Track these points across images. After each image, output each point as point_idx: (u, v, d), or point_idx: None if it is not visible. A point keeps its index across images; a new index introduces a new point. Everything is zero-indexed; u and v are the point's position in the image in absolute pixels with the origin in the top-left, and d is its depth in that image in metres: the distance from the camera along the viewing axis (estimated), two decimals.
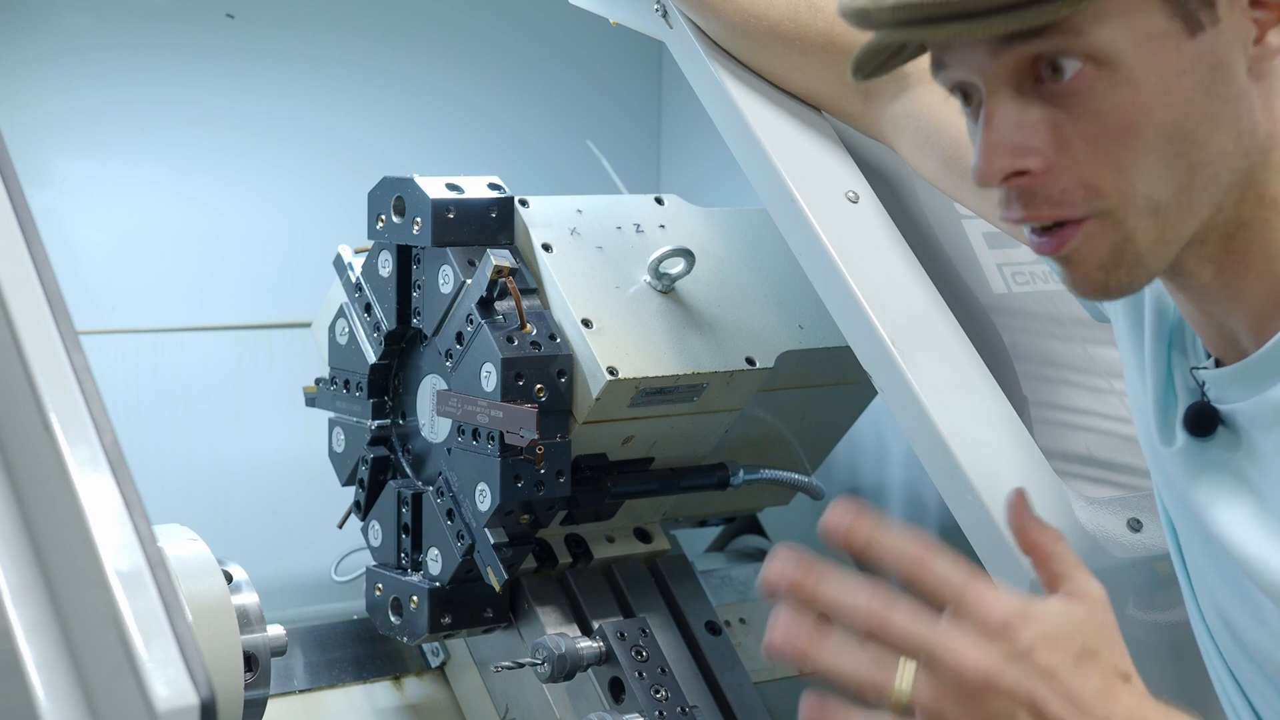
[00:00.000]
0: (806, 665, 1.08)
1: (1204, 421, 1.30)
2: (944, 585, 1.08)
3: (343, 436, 2.09)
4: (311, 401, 2.14)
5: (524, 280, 1.90)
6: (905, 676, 1.07)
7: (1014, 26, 1.14)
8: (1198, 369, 1.31)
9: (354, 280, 2.04)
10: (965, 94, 1.24)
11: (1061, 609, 1.09)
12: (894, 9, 1.17)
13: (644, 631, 1.95)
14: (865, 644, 1.08)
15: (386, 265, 1.99)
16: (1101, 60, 1.17)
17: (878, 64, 1.25)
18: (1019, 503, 1.13)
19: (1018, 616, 1.06)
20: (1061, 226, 1.21)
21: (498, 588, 1.90)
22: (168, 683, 0.93)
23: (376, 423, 2.05)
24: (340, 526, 2.14)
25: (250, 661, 1.62)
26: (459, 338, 1.91)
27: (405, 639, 2.00)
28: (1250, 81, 1.20)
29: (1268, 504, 1.27)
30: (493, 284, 1.87)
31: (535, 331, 1.87)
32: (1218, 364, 1.30)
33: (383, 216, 1.98)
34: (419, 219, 1.92)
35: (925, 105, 1.63)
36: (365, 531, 2.06)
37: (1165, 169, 1.19)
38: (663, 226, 2.02)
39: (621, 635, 1.93)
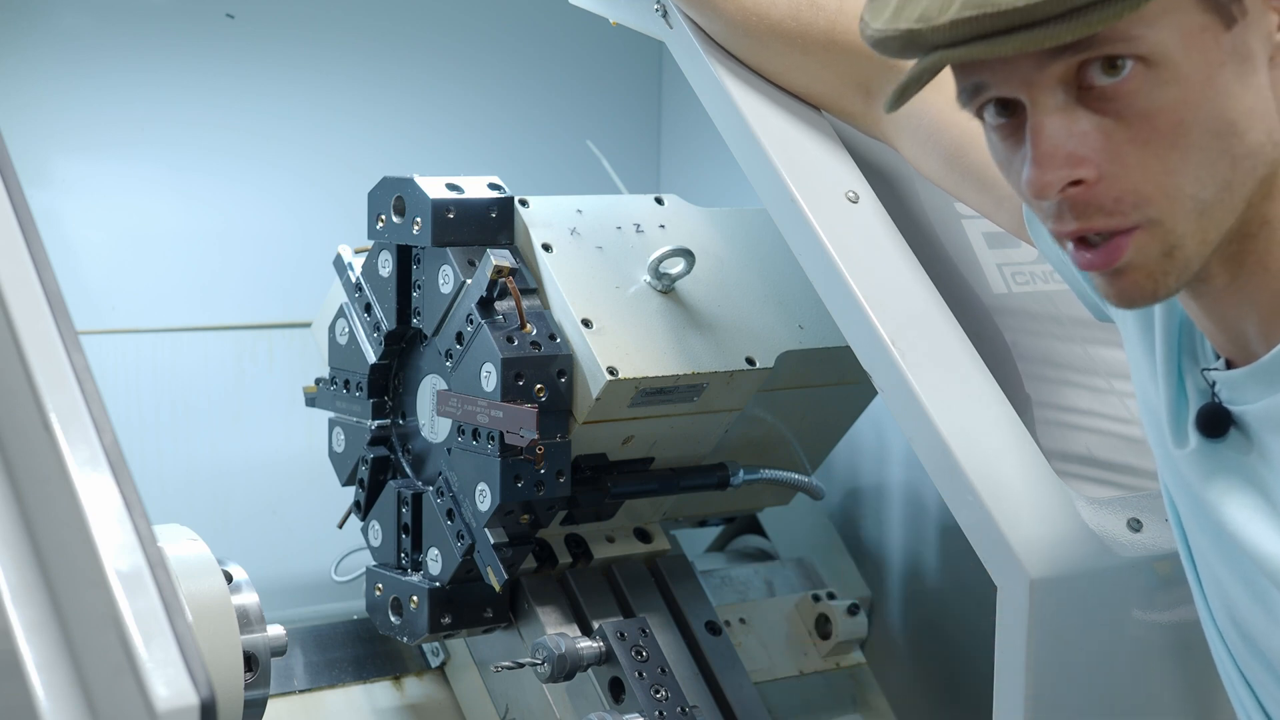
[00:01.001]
0: None
1: (1216, 423, 1.30)
2: None
3: (343, 436, 2.09)
4: (311, 401, 2.14)
5: (524, 280, 1.90)
6: None
7: (1083, 32, 1.13)
8: (1209, 370, 1.31)
9: (354, 280, 2.04)
10: (1001, 107, 1.22)
11: None
12: (954, 26, 1.15)
13: (644, 631, 1.95)
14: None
15: (386, 265, 1.99)
16: (1151, 61, 1.16)
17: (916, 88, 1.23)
18: None
19: None
20: (1111, 239, 1.20)
21: (498, 588, 1.90)
22: (168, 683, 0.93)
23: (376, 423, 2.05)
24: (340, 526, 2.14)
25: (250, 661, 1.62)
26: (459, 338, 1.91)
27: (405, 639, 2.00)
28: (1272, 72, 1.20)
29: (1278, 504, 1.27)
30: (493, 284, 1.87)
31: (535, 331, 1.87)
32: (1229, 365, 1.30)
33: (383, 216, 1.98)
34: (419, 219, 1.92)
35: (927, 104, 1.63)
36: (365, 531, 2.06)
37: (1211, 166, 1.19)
38: (663, 226, 2.02)
39: (621, 635, 1.93)
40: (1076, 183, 1.19)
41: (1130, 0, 1.12)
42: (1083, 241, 1.22)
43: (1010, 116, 1.22)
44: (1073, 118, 1.19)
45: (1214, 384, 1.31)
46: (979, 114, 1.24)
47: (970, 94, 1.23)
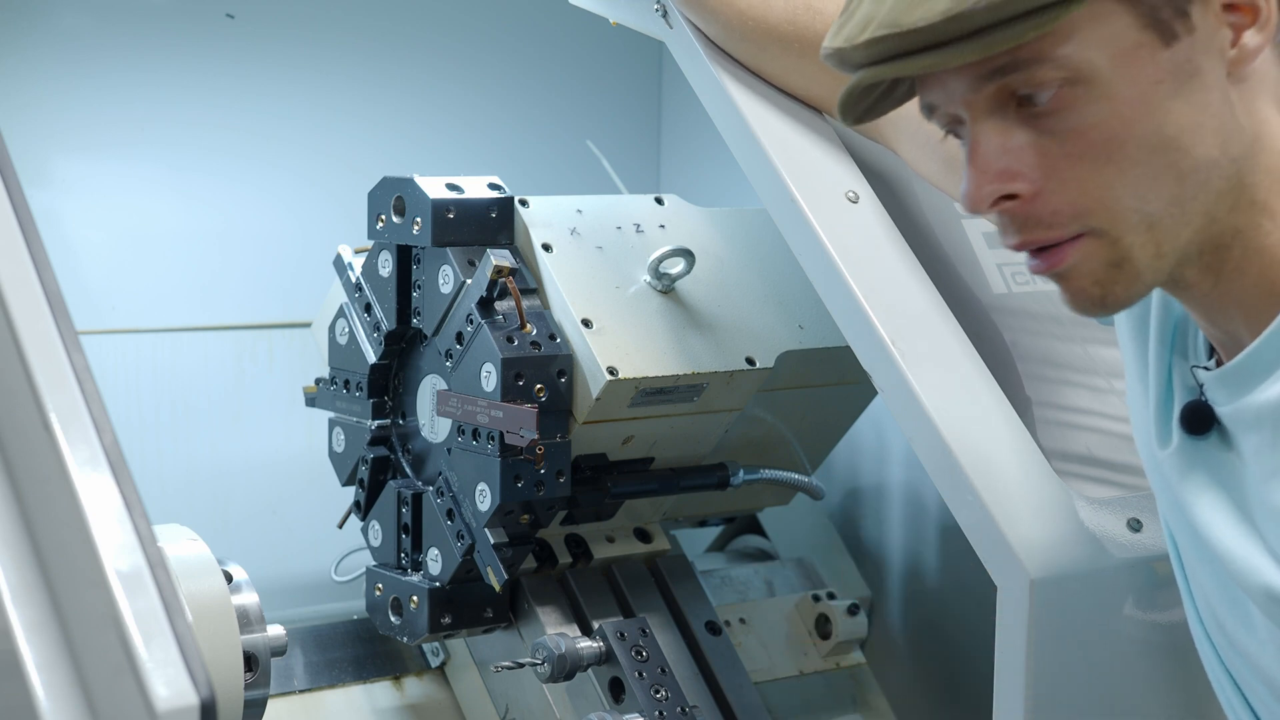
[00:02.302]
0: None
1: (1199, 420, 1.31)
2: None
3: (343, 436, 2.09)
4: (311, 401, 2.14)
5: (524, 280, 1.90)
6: None
7: (986, 52, 1.15)
8: (1197, 367, 1.32)
9: (354, 280, 2.04)
10: (954, 122, 1.25)
11: None
12: (867, 45, 1.18)
13: (644, 631, 1.95)
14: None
15: (386, 265, 1.99)
16: (1078, 78, 1.18)
17: (867, 105, 1.26)
18: None
19: None
20: (1056, 245, 1.22)
21: (498, 588, 1.90)
22: (168, 683, 0.93)
23: (376, 423, 2.05)
24: (340, 526, 2.14)
25: (250, 661, 1.62)
26: (459, 338, 1.91)
27: (405, 639, 2.00)
28: (1230, 85, 1.21)
29: (1250, 506, 1.27)
30: (493, 284, 1.87)
31: (535, 331, 1.87)
32: (1220, 364, 1.30)
33: (383, 216, 1.98)
34: (419, 219, 1.92)
35: None
36: (365, 531, 2.06)
37: (1153, 180, 1.20)
38: (663, 226, 2.02)
39: (621, 635, 1.93)
40: (1012, 197, 1.21)
41: (1034, 22, 1.14)
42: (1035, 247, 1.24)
43: (963, 137, 1.25)
44: (1008, 134, 1.20)
45: (1201, 383, 1.31)
46: (944, 130, 1.27)
47: (928, 111, 1.26)
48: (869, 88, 1.24)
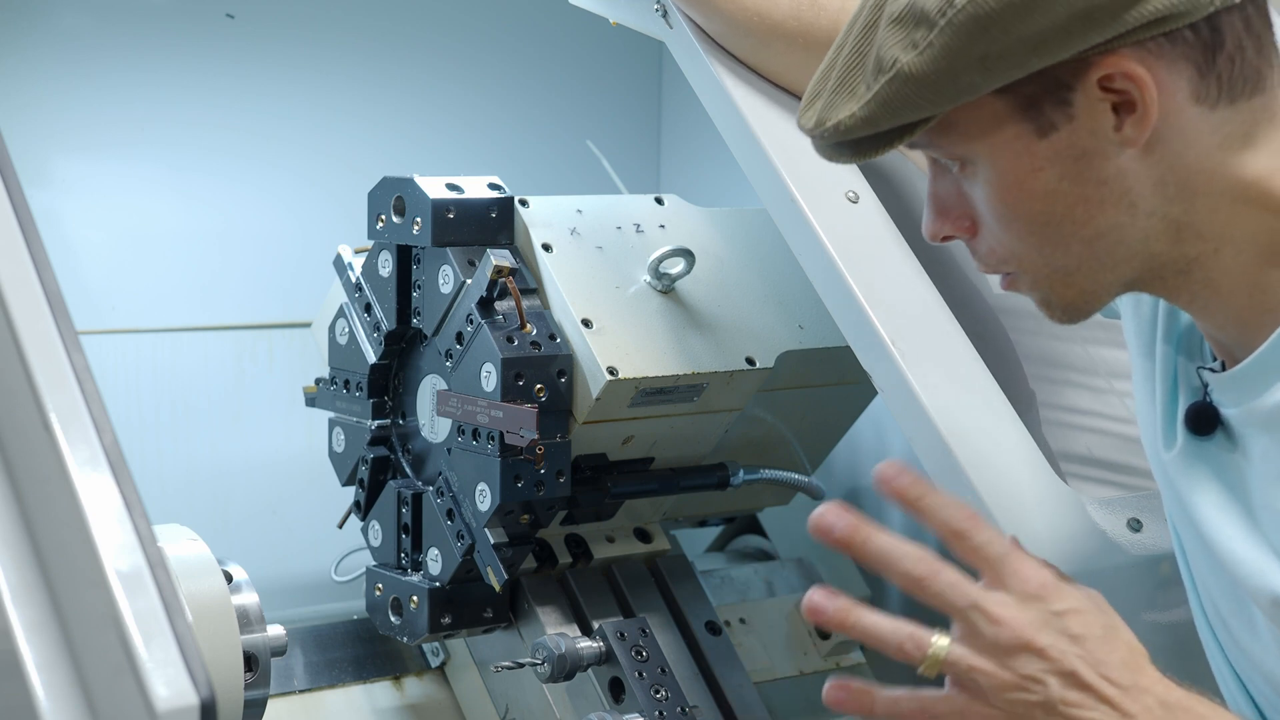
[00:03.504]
0: (846, 625, 1.11)
1: (1204, 420, 1.31)
2: (987, 548, 1.13)
3: (343, 436, 2.09)
4: (311, 401, 2.14)
5: (524, 280, 1.90)
6: (940, 640, 1.11)
7: (877, 154, 1.26)
8: (1204, 368, 1.32)
9: (354, 280, 2.04)
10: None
11: (1083, 590, 1.15)
12: (809, 133, 1.29)
13: (644, 631, 1.95)
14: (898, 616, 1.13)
15: (386, 265, 1.99)
16: (965, 162, 1.26)
17: (870, 149, 1.32)
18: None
19: (1052, 587, 1.11)
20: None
21: (498, 588, 1.90)
22: (168, 683, 0.93)
23: (376, 423, 2.05)
24: (340, 526, 2.14)
25: (250, 661, 1.62)
26: (459, 338, 1.91)
27: (405, 639, 2.00)
28: (1139, 155, 1.21)
29: (1256, 508, 1.28)
30: (493, 284, 1.87)
31: (535, 331, 1.87)
32: (1225, 366, 1.31)
33: (383, 216, 1.98)
34: (419, 219, 1.92)
35: None
36: (365, 531, 2.06)
37: (1054, 246, 1.26)
38: (663, 226, 2.02)
39: (621, 635, 1.93)
40: (953, 235, 1.31)
41: (890, 138, 1.23)
42: None
43: None
44: (954, 180, 1.29)
45: (1206, 384, 1.32)
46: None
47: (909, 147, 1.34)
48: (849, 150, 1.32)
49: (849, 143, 1.28)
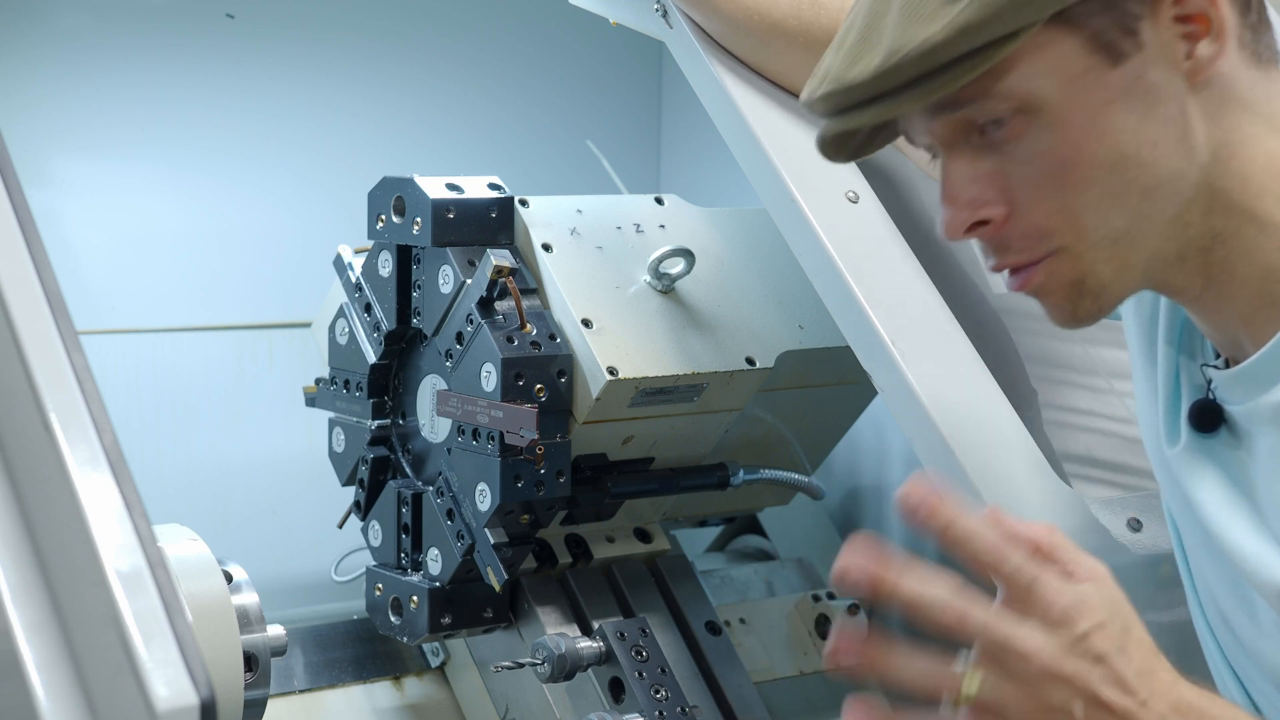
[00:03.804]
0: (876, 674, 1.11)
1: (1207, 417, 1.32)
2: (1017, 577, 1.11)
3: (343, 436, 2.09)
4: (311, 401, 2.14)
5: (524, 280, 1.90)
6: (973, 679, 1.11)
7: (923, 101, 1.19)
8: (1207, 366, 1.32)
9: (354, 280, 2.04)
10: (934, 151, 1.29)
11: (1097, 593, 1.13)
12: (822, 99, 1.24)
13: (644, 631, 1.95)
14: (923, 652, 1.13)
15: (386, 265, 1.99)
16: (1026, 107, 1.20)
17: (854, 147, 1.31)
18: (996, 517, 1.15)
19: (1075, 606, 1.10)
20: (1025, 267, 1.26)
21: (498, 588, 1.90)
22: (168, 683, 0.93)
23: (376, 423, 2.05)
24: (340, 526, 2.14)
25: (250, 661, 1.62)
26: (459, 338, 1.91)
27: (405, 639, 2.00)
28: (1192, 95, 1.21)
29: (1261, 503, 1.28)
30: (493, 284, 1.87)
31: (535, 331, 1.87)
32: (1228, 363, 1.31)
33: (383, 216, 1.98)
34: (419, 219, 1.92)
35: None
36: (365, 531, 2.06)
37: (1114, 199, 1.22)
38: (663, 226, 2.02)
39: (621, 635, 1.93)
40: (984, 222, 1.25)
41: (966, 65, 1.16)
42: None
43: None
44: (974, 162, 1.24)
45: (1210, 380, 1.32)
46: (929, 154, 1.31)
47: (909, 139, 1.30)
48: (842, 134, 1.28)
49: (852, 144, 1.26)
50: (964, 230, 1.26)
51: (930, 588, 1.10)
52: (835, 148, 1.30)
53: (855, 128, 1.27)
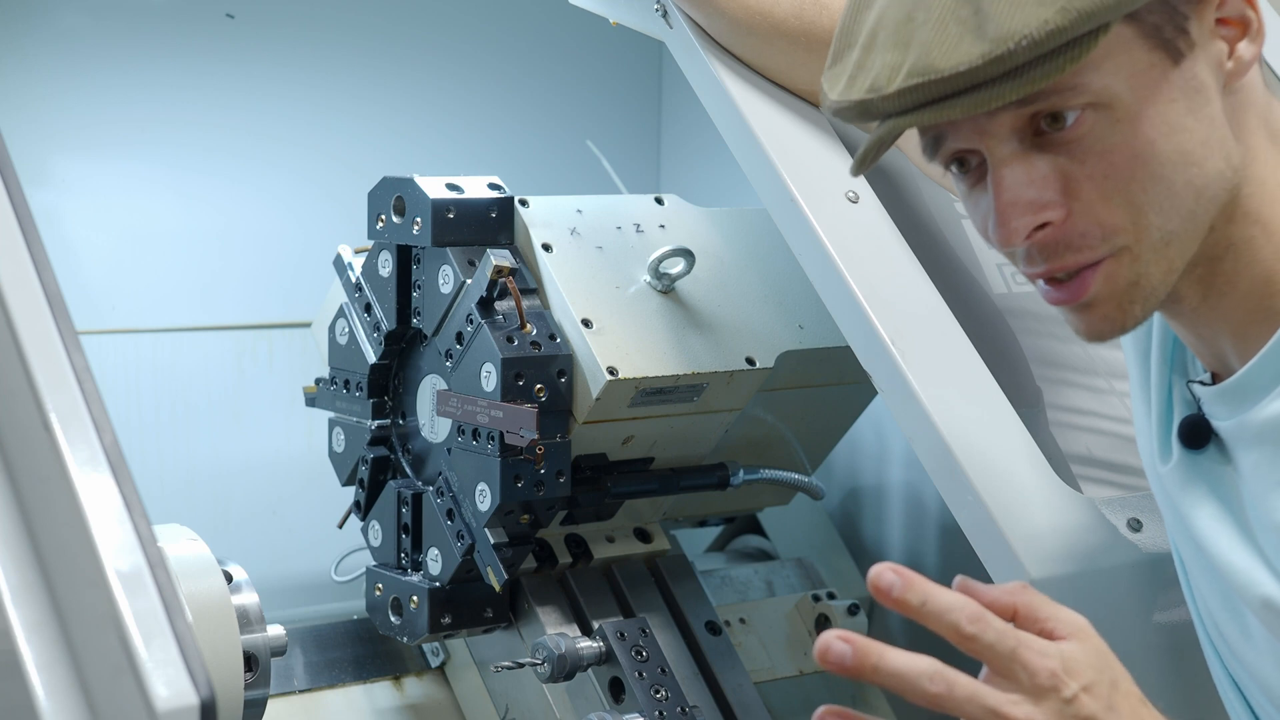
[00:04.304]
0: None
1: (1196, 434, 1.32)
2: (997, 647, 1.10)
3: (343, 436, 2.09)
4: (311, 401, 2.14)
5: (524, 280, 1.90)
6: None
7: (1026, 90, 1.15)
8: (1193, 383, 1.33)
9: (354, 280, 2.04)
10: (960, 162, 1.25)
11: (1081, 651, 1.12)
12: (900, 95, 1.17)
13: (644, 631, 1.95)
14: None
15: (386, 265, 1.99)
16: (1099, 102, 1.19)
17: (877, 153, 1.25)
18: (965, 586, 1.14)
19: (1061, 670, 1.09)
20: (1078, 273, 1.23)
21: (498, 588, 1.90)
22: (168, 683, 0.93)
23: (376, 423, 2.05)
24: (340, 526, 2.14)
25: (250, 661, 1.62)
26: (459, 338, 1.91)
27: (405, 639, 2.00)
28: (1225, 99, 1.22)
29: (1249, 519, 1.28)
30: (493, 284, 1.87)
31: (535, 331, 1.87)
32: (1215, 379, 1.31)
33: (383, 216, 1.98)
34: (419, 219, 1.92)
35: None
36: (365, 531, 2.06)
37: (1174, 197, 1.21)
38: (663, 226, 2.02)
39: (621, 635, 1.93)
40: (1043, 226, 1.21)
41: (1070, 54, 1.14)
42: (1051, 278, 1.24)
43: (969, 170, 1.25)
44: (1030, 164, 1.21)
45: (1198, 398, 1.32)
46: (945, 168, 1.27)
47: (932, 148, 1.25)
48: (889, 138, 1.22)
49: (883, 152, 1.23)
50: (1026, 235, 1.22)
51: (915, 662, 1.09)
52: (876, 153, 1.24)
53: (931, 124, 1.21)
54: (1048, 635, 1.12)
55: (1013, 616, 1.12)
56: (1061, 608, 1.13)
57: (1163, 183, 1.20)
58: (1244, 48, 1.22)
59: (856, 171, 1.26)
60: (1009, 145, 1.21)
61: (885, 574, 1.09)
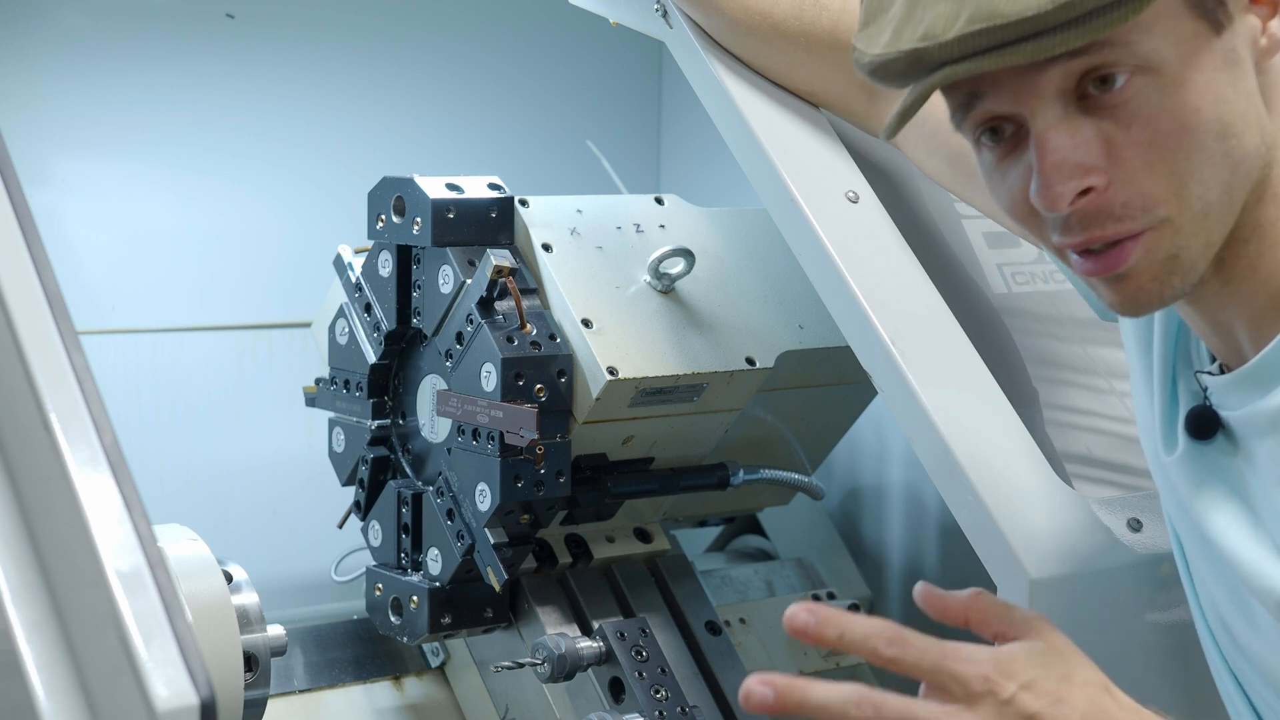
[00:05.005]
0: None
1: (1204, 425, 1.31)
2: (922, 663, 1.10)
3: (343, 436, 2.09)
4: (311, 401, 2.14)
5: (524, 280, 1.90)
6: None
7: (1090, 37, 1.13)
8: (1201, 373, 1.32)
9: (354, 280, 2.04)
10: (993, 131, 1.23)
11: (1025, 651, 1.11)
12: (961, 41, 1.15)
13: (644, 631, 1.95)
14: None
15: (386, 265, 1.99)
16: (1148, 68, 1.17)
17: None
18: (927, 593, 1.14)
19: (996, 673, 1.09)
20: (1117, 244, 1.20)
21: (498, 588, 1.90)
22: (168, 683, 0.93)
23: (376, 423, 2.05)
24: (340, 526, 2.14)
25: (250, 661, 1.62)
26: (459, 338, 1.91)
27: (405, 639, 2.00)
28: (1259, 76, 1.22)
29: (1260, 510, 1.27)
30: (493, 284, 1.87)
31: (535, 331, 1.87)
32: (1224, 369, 1.31)
33: (383, 216, 1.98)
34: (419, 219, 1.93)
35: (931, 104, 1.63)
36: (365, 531, 2.06)
37: (1215, 168, 1.19)
38: (663, 226, 2.02)
39: (621, 635, 1.93)
40: (1085, 191, 1.19)
41: (1134, 5, 1.12)
42: (1086, 249, 1.22)
43: (1002, 140, 1.23)
44: (1075, 127, 1.19)
45: (1205, 388, 1.31)
46: (975, 137, 1.24)
47: (965, 112, 1.23)
48: (926, 93, 1.20)
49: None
50: (1070, 199, 1.19)
51: (838, 691, 1.08)
52: (916, 106, 1.21)
53: (993, 69, 1.17)
54: (1001, 639, 1.11)
55: (964, 624, 1.12)
56: (1016, 608, 1.13)
57: (1205, 152, 1.18)
58: (1276, 25, 1.22)
59: (894, 129, 1.24)
60: (1054, 108, 1.19)
61: (800, 615, 1.10)
